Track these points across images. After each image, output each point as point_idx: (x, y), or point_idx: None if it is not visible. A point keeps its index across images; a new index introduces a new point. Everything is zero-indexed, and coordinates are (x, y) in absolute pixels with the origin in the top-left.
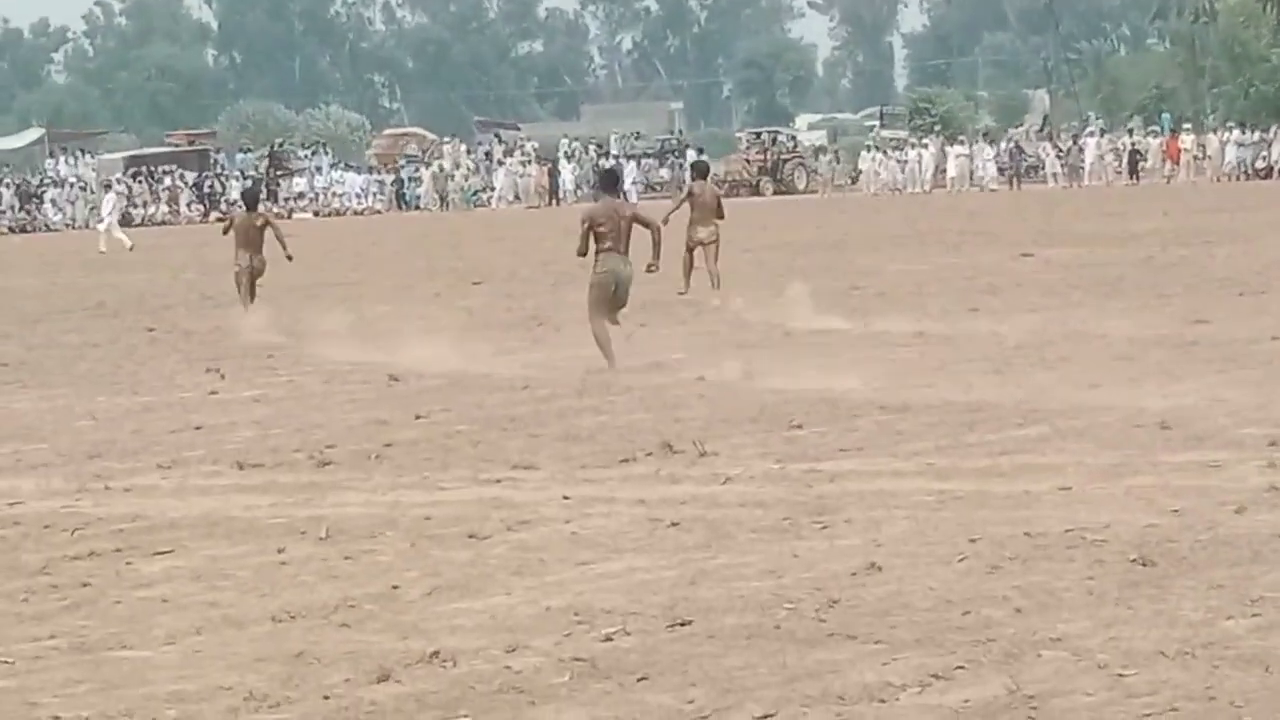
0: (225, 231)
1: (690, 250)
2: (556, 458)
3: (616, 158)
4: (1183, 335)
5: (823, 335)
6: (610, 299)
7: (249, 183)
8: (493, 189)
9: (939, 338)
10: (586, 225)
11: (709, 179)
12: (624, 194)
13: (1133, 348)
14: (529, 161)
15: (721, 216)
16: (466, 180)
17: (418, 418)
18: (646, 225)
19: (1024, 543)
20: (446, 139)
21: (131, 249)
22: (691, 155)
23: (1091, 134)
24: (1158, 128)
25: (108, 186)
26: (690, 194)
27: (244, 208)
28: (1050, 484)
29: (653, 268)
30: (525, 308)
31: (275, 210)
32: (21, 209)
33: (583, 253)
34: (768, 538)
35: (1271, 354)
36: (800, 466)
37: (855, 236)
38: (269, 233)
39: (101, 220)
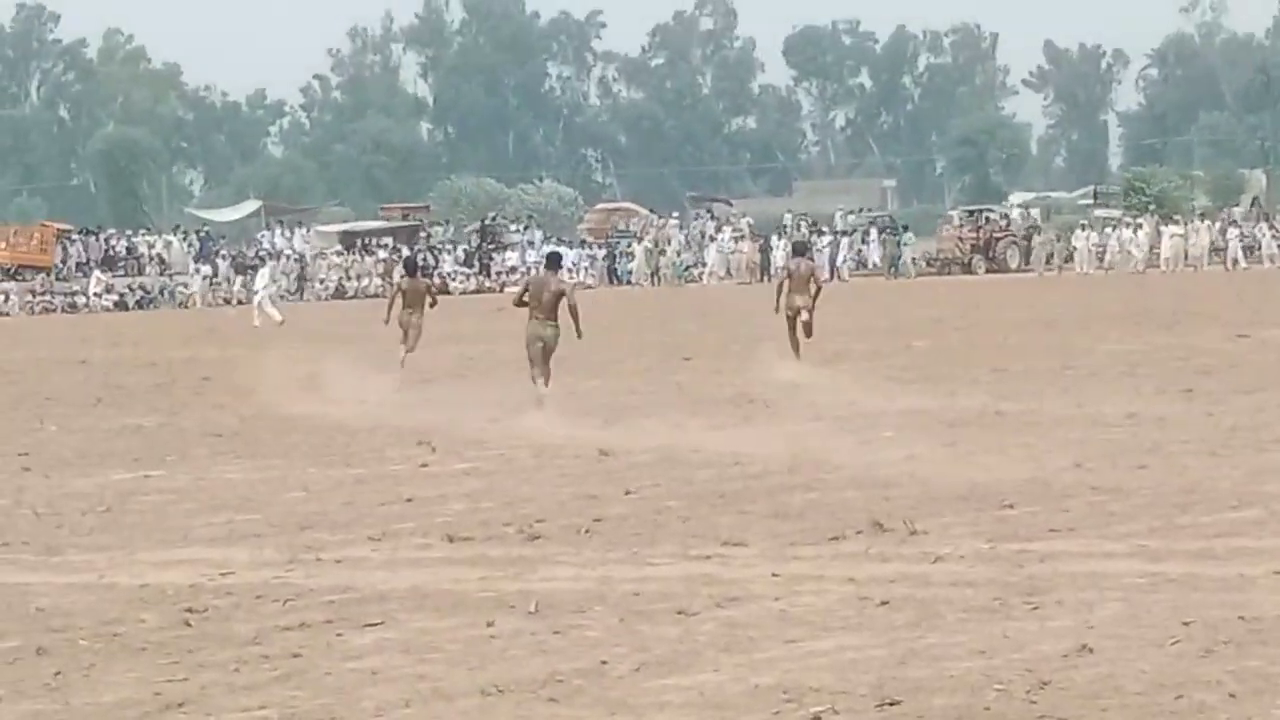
0: (392, 298)
1: (791, 318)
2: (766, 534)
3: (837, 233)
4: None
5: (1034, 414)
6: (535, 354)
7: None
8: (704, 264)
9: (1152, 418)
10: (519, 292)
11: (806, 255)
12: (561, 271)
13: None
14: (741, 238)
15: (819, 287)
16: (679, 256)
17: (627, 493)
18: (569, 303)
19: (1238, 626)
20: (659, 214)
21: (282, 323)
22: (910, 236)
23: None
24: None
25: (263, 260)
26: (788, 270)
27: (406, 274)
28: (1266, 568)
29: (579, 335)
30: (735, 384)
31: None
32: (237, 281)
33: (517, 304)
34: (978, 618)
35: None
36: (1011, 546)
37: (1068, 316)
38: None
39: (256, 293)
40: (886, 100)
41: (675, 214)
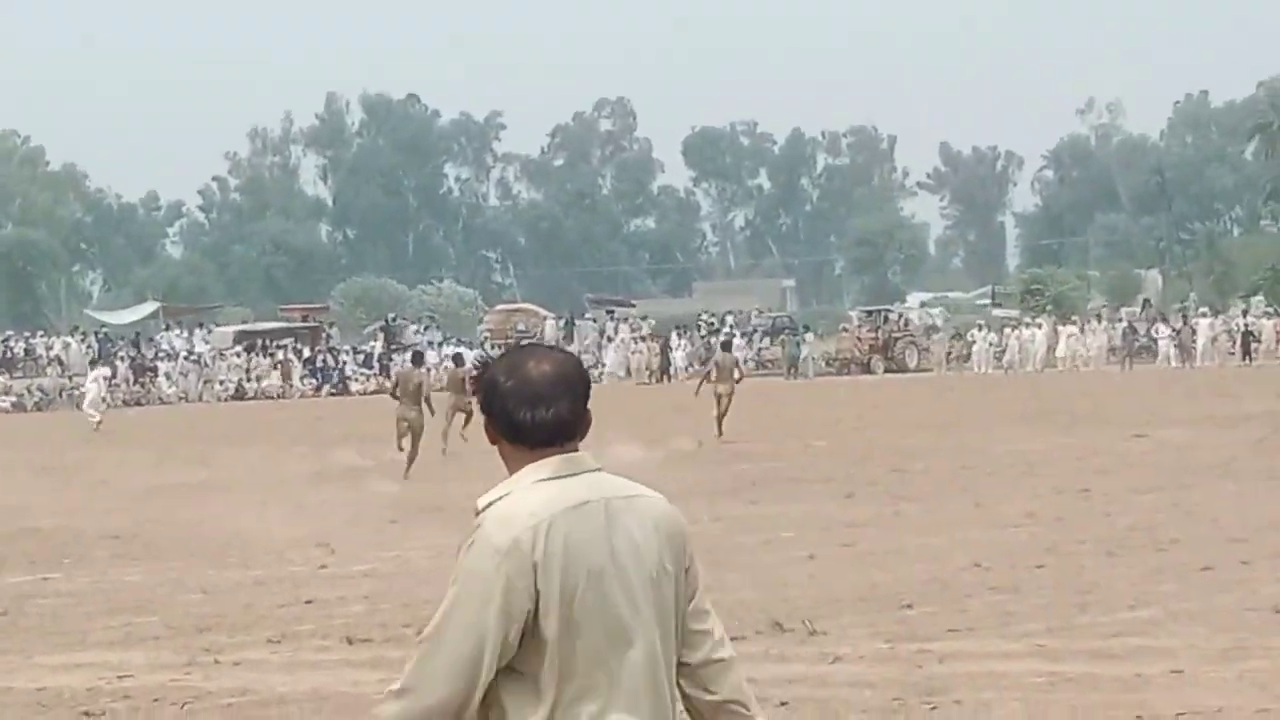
0: (393, 393)
1: (718, 401)
2: None
3: (730, 332)
4: None
5: (932, 514)
6: (403, 430)
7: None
8: (603, 365)
9: (1050, 518)
10: (393, 383)
11: (731, 351)
12: (422, 367)
13: (1245, 530)
14: (642, 338)
15: (740, 379)
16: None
17: None
18: (425, 392)
19: None
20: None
21: (98, 427)
22: (809, 336)
23: (1204, 314)
24: (1272, 309)
25: (93, 364)
26: (716, 363)
27: (412, 363)
28: (1162, 667)
29: (432, 413)
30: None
31: (387, 385)
32: (136, 382)
33: (391, 394)
34: (877, 718)
35: None
36: (910, 646)
37: (966, 416)
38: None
39: (87, 394)
40: (785, 201)
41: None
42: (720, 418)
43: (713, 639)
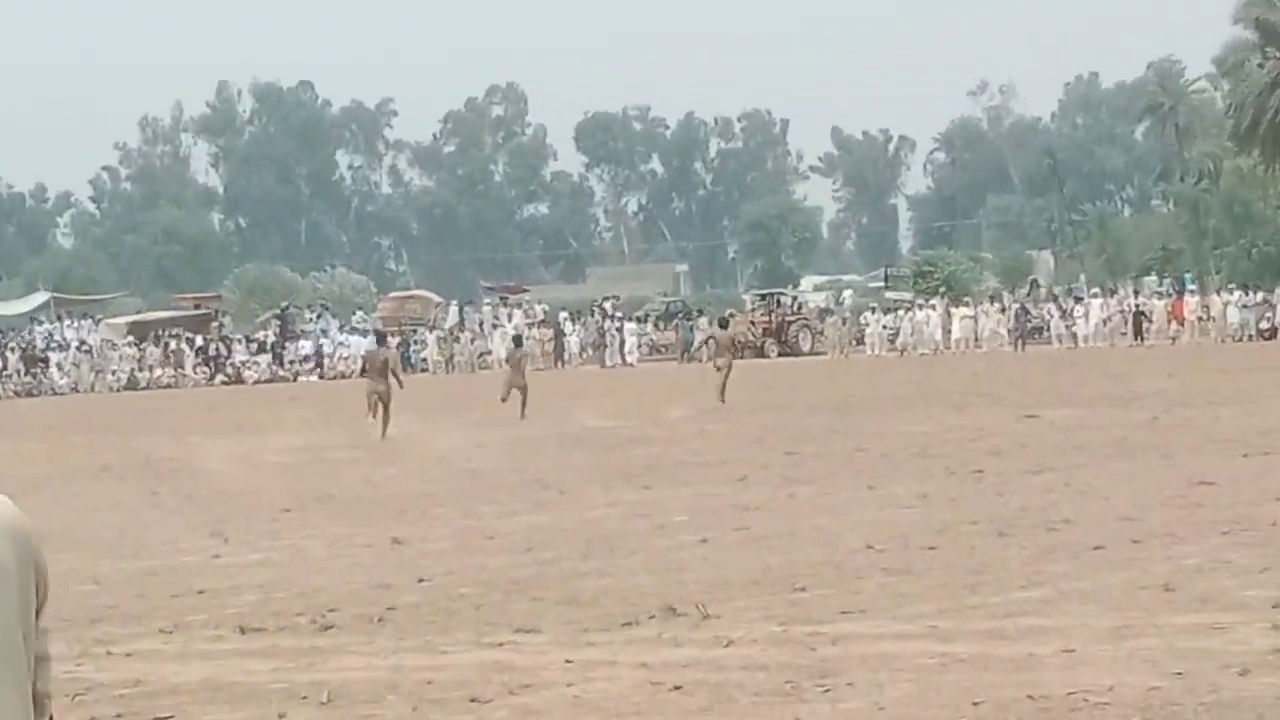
0: (363, 370)
1: (719, 372)
2: (559, 621)
3: (621, 319)
4: (1187, 497)
5: (826, 496)
6: (372, 403)
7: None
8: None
9: (943, 499)
10: (361, 364)
11: (728, 329)
12: (385, 345)
13: (1136, 509)
14: (535, 324)
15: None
16: (472, 343)
17: (421, 581)
18: (391, 366)
19: (1027, 705)
20: (451, 303)
21: None
22: (704, 321)
23: (1095, 295)
24: (1163, 289)
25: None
26: (714, 338)
27: (376, 343)
28: (1054, 646)
29: (400, 386)
30: (529, 470)
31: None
32: (27, 373)
33: (362, 372)
34: (770, 701)
35: (1276, 515)
36: (803, 629)
37: (860, 398)
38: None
39: None
40: (678, 185)
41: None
42: (721, 387)
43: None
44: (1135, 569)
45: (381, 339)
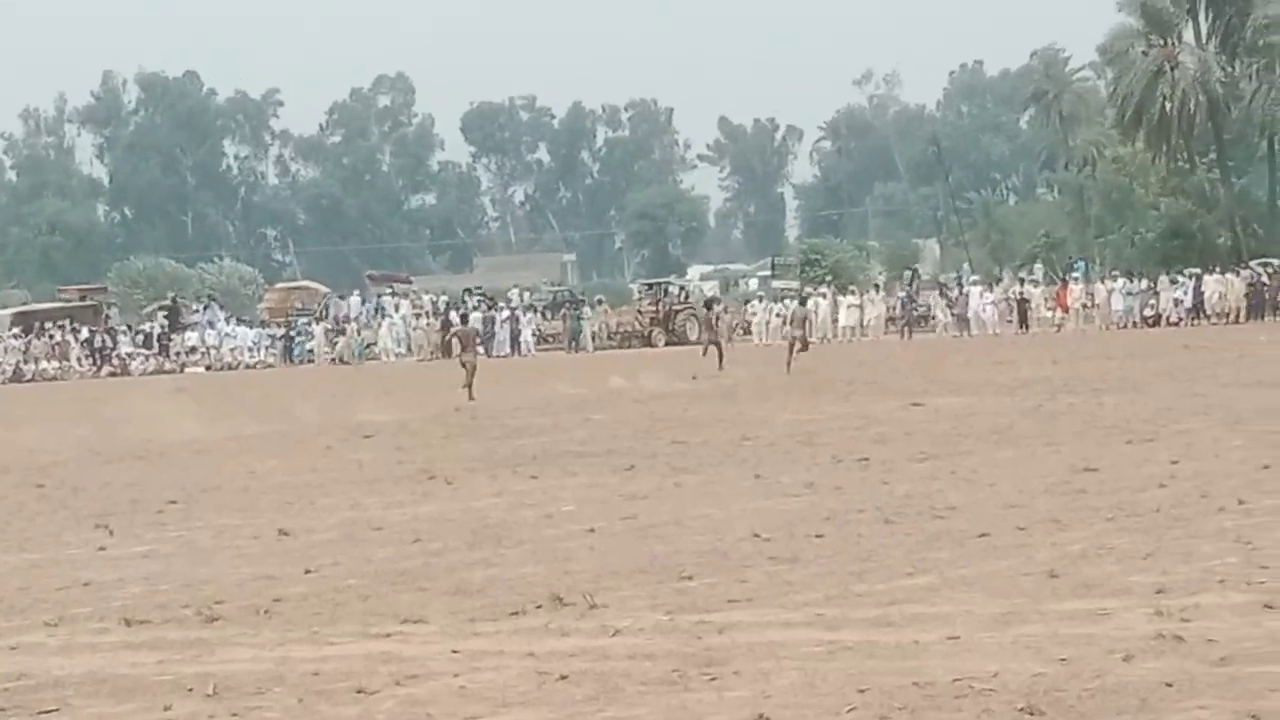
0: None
1: (790, 345)
2: (446, 611)
3: (512, 309)
4: (1071, 483)
5: (712, 485)
6: (468, 373)
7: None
8: (386, 342)
9: (829, 487)
10: (449, 339)
11: (804, 306)
12: (468, 322)
13: (1021, 496)
14: (422, 314)
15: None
16: (359, 334)
17: (307, 572)
18: (478, 342)
19: (913, 693)
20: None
21: None
22: (587, 309)
23: (976, 283)
24: (1041, 278)
25: None
26: (792, 314)
27: (461, 322)
28: (939, 633)
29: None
30: (416, 461)
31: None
32: None
33: (447, 342)
34: (657, 690)
35: (1159, 502)
36: (690, 618)
37: (747, 386)
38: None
39: None
40: (565, 175)
41: (357, 292)
42: (790, 355)
43: None
44: (1020, 556)
45: (464, 319)
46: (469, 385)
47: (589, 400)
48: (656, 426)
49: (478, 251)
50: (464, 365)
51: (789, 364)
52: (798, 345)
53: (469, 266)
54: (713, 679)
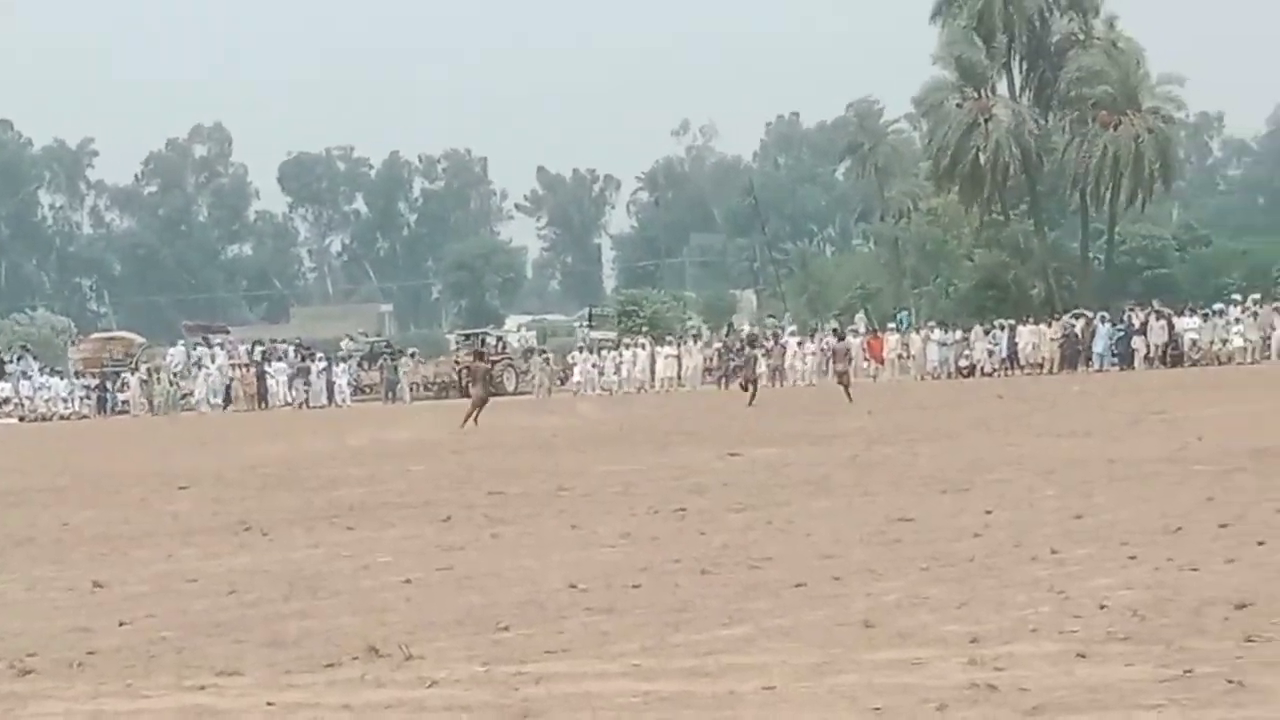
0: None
1: (840, 377)
2: (261, 663)
3: (328, 359)
4: (886, 533)
5: (530, 536)
6: (476, 402)
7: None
8: (201, 392)
9: (646, 538)
10: (461, 374)
11: (844, 340)
12: (484, 360)
13: (838, 546)
14: (238, 365)
15: (852, 362)
16: (172, 385)
17: (121, 624)
18: (489, 374)
19: None
20: (152, 344)
21: None
22: (405, 359)
23: (793, 334)
24: (853, 326)
25: None
26: (834, 349)
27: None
28: (755, 683)
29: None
30: (232, 512)
31: None
32: None
33: (460, 374)
34: None
35: (973, 551)
36: (506, 669)
37: (564, 437)
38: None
39: None
40: (382, 226)
41: (181, 342)
42: (846, 388)
43: None
44: (836, 606)
45: (479, 356)
46: (472, 415)
47: (407, 451)
48: (474, 477)
49: (295, 302)
50: (473, 398)
51: (846, 391)
52: (845, 376)
53: (286, 317)
54: None
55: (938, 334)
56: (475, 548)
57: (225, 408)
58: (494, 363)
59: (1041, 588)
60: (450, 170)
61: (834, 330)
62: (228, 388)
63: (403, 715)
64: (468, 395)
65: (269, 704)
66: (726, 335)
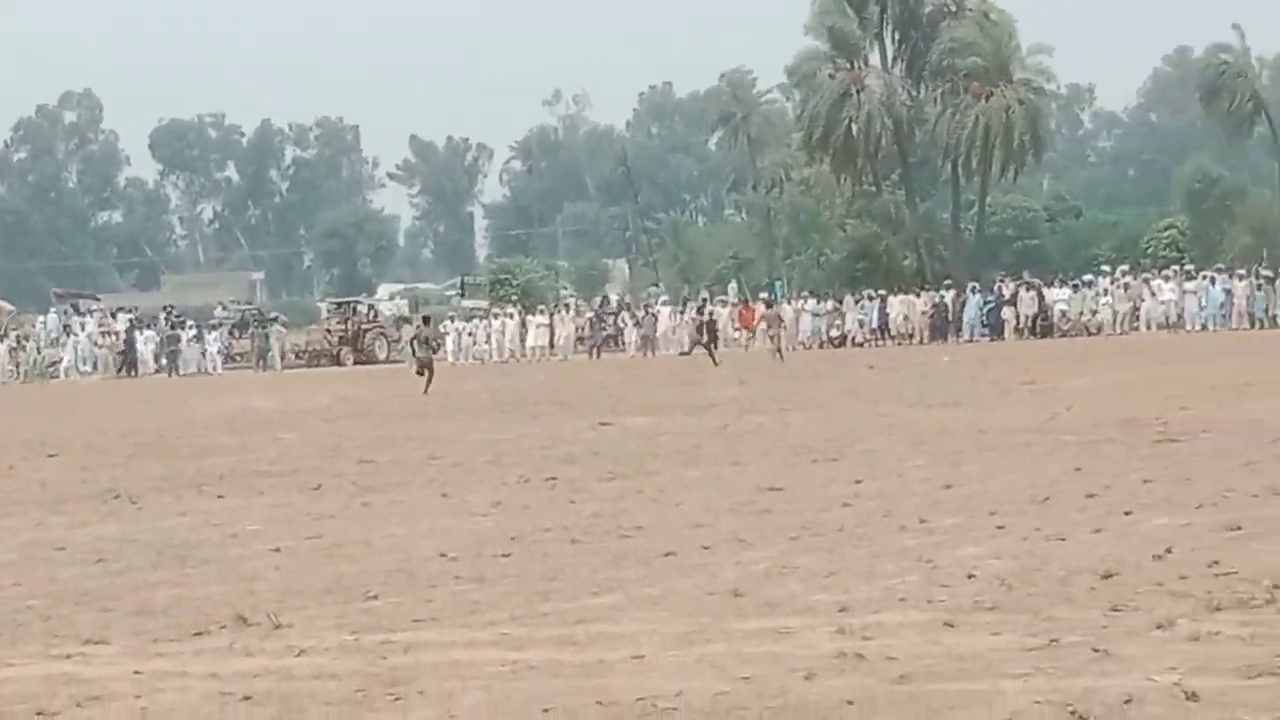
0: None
1: (772, 339)
2: (129, 632)
3: (198, 327)
4: (756, 503)
5: (400, 505)
6: (421, 366)
7: None
8: (70, 360)
9: (517, 507)
10: (412, 335)
11: (773, 308)
12: (431, 324)
13: (707, 515)
14: (108, 333)
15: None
16: (39, 351)
17: None
18: (435, 340)
19: (596, 711)
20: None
21: None
22: (277, 327)
23: (666, 303)
24: (724, 297)
25: None
26: (767, 316)
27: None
28: (624, 652)
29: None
30: (101, 480)
31: None
32: None
33: (410, 341)
34: (341, 709)
35: (842, 521)
36: (375, 638)
37: (436, 405)
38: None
39: None
40: (254, 194)
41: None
42: (779, 351)
43: None
44: (705, 575)
45: (427, 321)
46: (427, 379)
47: (277, 419)
48: (344, 445)
49: (166, 269)
50: (422, 362)
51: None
52: (776, 338)
53: (157, 285)
54: (397, 699)
55: (810, 304)
56: (345, 516)
57: (94, 375)
58: (365, 330)
59: (910, 557)
60: (322, 138)
61: (763, 299)
62: (97, 356)
63: (271, 684)
64: (339, 363)
65: (136, 672)
66: (601, 305)
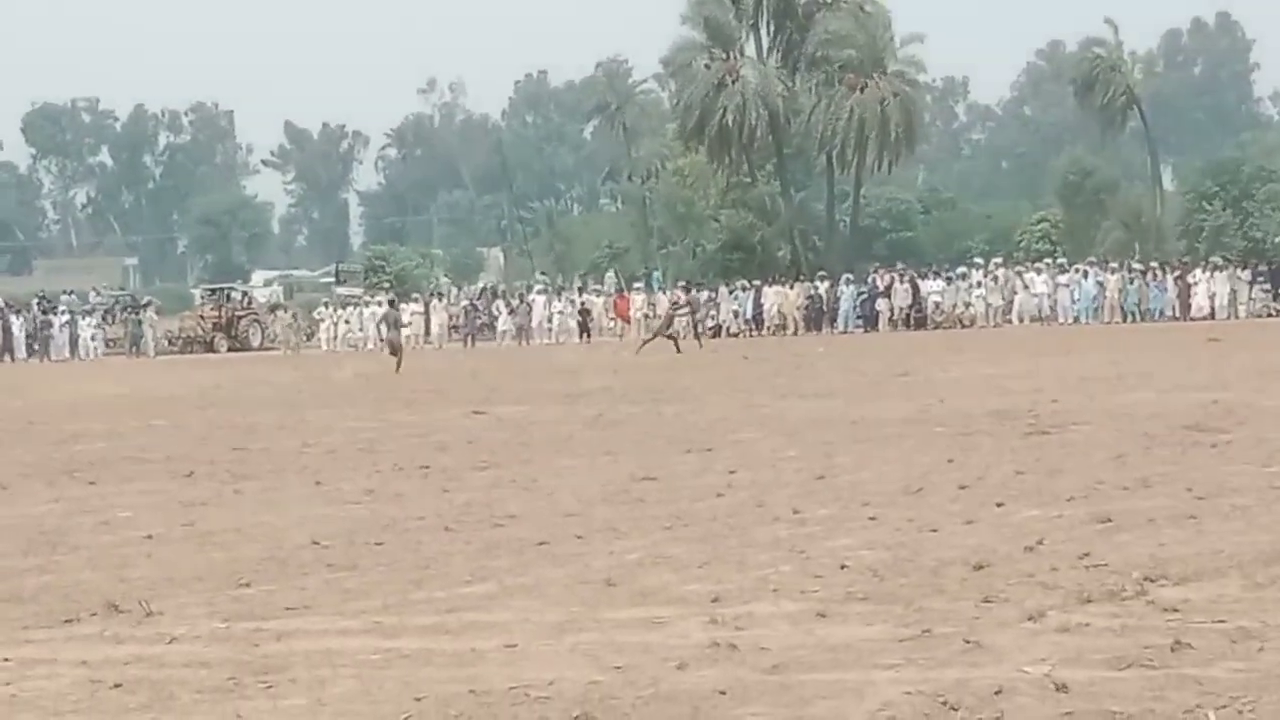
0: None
1: (667, 324)
2: None
3: (72, 314)
4: (630, 492)
5: (273, 492)
6: (388, 345)
7: None
8: None
9: (390, 495)
10: (379, 318)
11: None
12: (396, 308)
13: (581, 505)
14: None
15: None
16: None
17: None
18: (400, 323)
19: (469, 700)
20: None
21: None
22: (150, 313)
23: (543, 291)
24: (598, 287)
25: None
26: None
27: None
28: (497, 641)
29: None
30: None
31: None
32: None
33: (378, 324)
34: (212, 698)
35: (715, 511)
36: (247, 625)
37: (309, 394)
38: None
39: None
40: (127, 179)
41: None
42: (698, 336)
43: None
44: (578, 564)
45: (394, 304)
46: (399, 360)
47: (149, 405)
48: (217, 433)
49: (38, 254)
50: (391, 343)
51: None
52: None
53: (28, 270)
54: (269, 686)
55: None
56: (217, 503)
57: None
58: (239, 317)
59: (783, 547)
60: (196, 124)
61: (684, 285)
62: None
63: (141, 671)
64: (213, 350)
65: (5, 660)
66: (479, 294)
